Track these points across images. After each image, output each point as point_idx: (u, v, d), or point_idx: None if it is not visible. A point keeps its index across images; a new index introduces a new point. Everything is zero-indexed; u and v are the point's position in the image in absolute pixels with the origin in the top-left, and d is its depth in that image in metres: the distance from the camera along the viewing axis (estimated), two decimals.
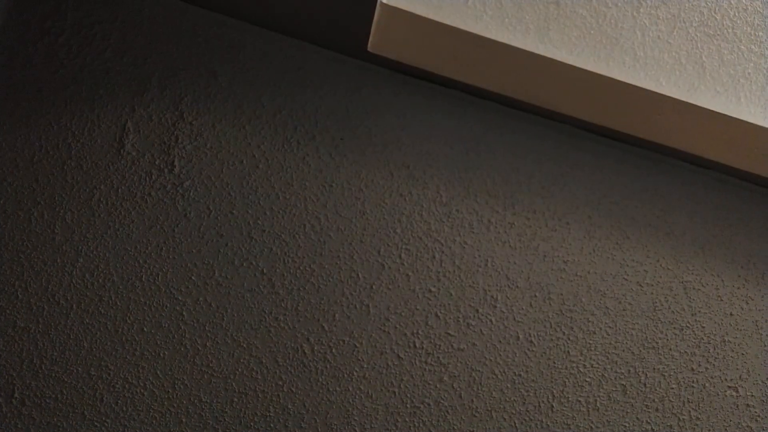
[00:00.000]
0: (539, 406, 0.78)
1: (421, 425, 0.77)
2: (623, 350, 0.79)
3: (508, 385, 0.78)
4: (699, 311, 0.80)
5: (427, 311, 0.77)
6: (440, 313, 0.77)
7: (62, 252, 0.73)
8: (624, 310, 0.79)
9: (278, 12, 0.72)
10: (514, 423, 0.78)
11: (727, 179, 0.80)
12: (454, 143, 0.78)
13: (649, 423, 0.79)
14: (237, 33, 0.76)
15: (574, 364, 0.79)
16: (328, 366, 0.76)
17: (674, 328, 0.80)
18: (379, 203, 0.77)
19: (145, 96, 0.75)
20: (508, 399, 0.78)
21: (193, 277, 0.75)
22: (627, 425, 0.79)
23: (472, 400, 0.78)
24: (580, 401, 0.79)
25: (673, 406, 0.80)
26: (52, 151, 0.74)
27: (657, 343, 0.79)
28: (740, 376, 0.80)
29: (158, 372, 0.74)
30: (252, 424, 0.76)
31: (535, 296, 0.78)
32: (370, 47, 0.72)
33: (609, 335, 0.79)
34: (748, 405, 0.81)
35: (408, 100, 0.77)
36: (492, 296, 0.78)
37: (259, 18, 0.74)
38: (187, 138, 0.75)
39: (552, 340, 0.78)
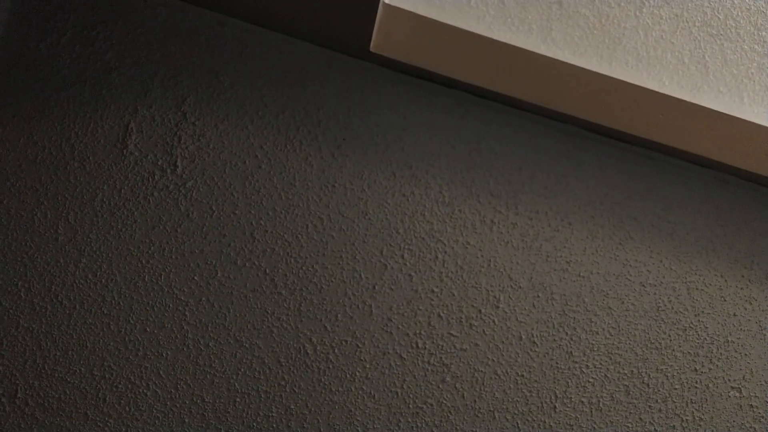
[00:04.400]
0: (542, 406, 0.78)
1: (423, 425, 0.77)
2: (626, 351, 0.79)
3: (511, 386, 0.78)
4: (702, 312, 0.80)
5: (429, 311, 0.77)
6: (443, 313, 0.77)
7: (65, 252, 0.74)
8: (627, 310, 0.79)
9: (280, 12, 0.72)
10: (517, 423, 0.78)
11: (730, 179, 0.80)
12: (456, 143, 0.77)
13: (652, 424, 0.79)
14: (239, 33, 0.76)
15: (577, 365, 0.79)
16: (330, 366, 0.76)
17: (677, 328, 0.79)
18: (382, 203, 0.77)
19: (147, 96, 0.75)
20: (510, 399, 0.78)
21: (195, 277, 0.75)
22: (630, 426, 0.79)
23: (475, 401, 0.78)
24: (582, 402, 0.79)
25: (676, 407, 0.80)
26: (55, 151, 0.74)
27: (660, 343, 0.79)
28: (743, 377, 0.80)
29: (161, 372, 0.75)
30: (254, 424, 0.76)
31: (538, 296, 0.78)
32: (372, 47, 0.72)
33: (612, 336, 0.79)
34: (751, 406, 0.80)
35: (410, 100, 0.77)
36: (494, 296, 0.78)
37: (262, 18, 0.74)
38: (189, 138, 0.75)
39: (555, 340, 0.78)
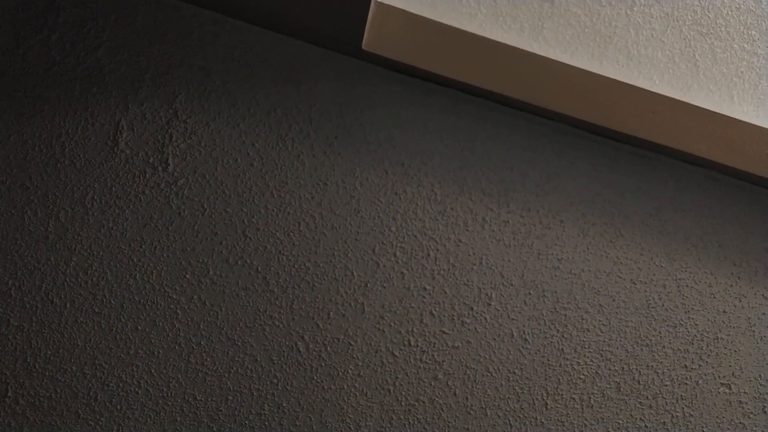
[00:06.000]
0: (533, 403, 0.79)
1: (415, 423, 0.77)
2: (617, 347, 0.79)
3: (503, 383, 0.78)
4: (692, 309, 0.80)
5: (421, 309, 0.77)
6: (435, 311, 0.77)
7: (56, 250, 0.73)
8: (618, 307, 0.79)
9: (273, 10, 0.72)
10: (509, 420, 0.78)
11: (720, 177, 0.80)
12: (448, 141, 0.78)
13: (642, 420, 0.80)
14: (231, 31, 0.76)
15: (568, 362, 0.79)
16: (322, 364, 0.76)
17: (668, 325, 0.80)
18: (374, 201, 0.77)
19: (138, 94, 0.75)
20: (502, 396, 0.78)
21: (187, 276, 0.75)
22: (621, 422, 0.80)
23: (467, 398, 0.78)
24: (574, 398, 0.79)
25: (666, 403, 0.80)
26: (45, 149, 0.73)
27: (650, 340, 0.80)
28: (733, 373, 0.81)
29: (152, 370, 0.74)
30: (247, 422, 0.75)
31: (530, 294, 0.78)
32: (364, 45, 0.72)
33: (603, 333, 0.79)
34: (740, 402, 0.81)
35: (402, 98, 0.77)
36: (486, 294, 0.78)
37: (254, 16, 0.74)
38: (181, 136, 0.75)
39: (546, 337, 0.79)
